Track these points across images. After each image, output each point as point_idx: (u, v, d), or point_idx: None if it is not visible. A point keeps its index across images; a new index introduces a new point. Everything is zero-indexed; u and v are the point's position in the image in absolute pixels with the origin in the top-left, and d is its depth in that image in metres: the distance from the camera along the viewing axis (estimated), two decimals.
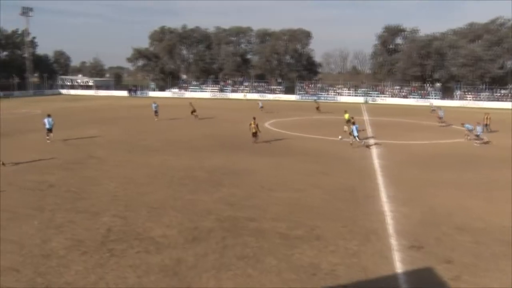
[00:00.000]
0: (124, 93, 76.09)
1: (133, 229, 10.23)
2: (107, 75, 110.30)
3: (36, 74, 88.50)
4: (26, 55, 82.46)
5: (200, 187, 13.97)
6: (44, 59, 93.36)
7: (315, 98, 55.82)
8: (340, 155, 19.86)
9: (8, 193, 12.82)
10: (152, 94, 74.98)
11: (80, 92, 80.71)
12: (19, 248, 9.06)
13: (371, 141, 24.14)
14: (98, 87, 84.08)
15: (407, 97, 65.28)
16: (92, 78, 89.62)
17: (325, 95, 68.58)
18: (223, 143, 22.96)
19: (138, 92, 76.61)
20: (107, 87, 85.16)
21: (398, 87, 68.96)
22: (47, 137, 22.64)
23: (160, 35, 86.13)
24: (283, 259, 8.74)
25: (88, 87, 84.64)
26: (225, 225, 10.57)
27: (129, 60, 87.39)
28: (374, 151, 21.06)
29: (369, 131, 27.94)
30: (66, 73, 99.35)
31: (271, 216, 11.19)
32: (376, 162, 18.21)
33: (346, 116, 28.59)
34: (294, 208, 11.92)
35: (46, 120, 23.29)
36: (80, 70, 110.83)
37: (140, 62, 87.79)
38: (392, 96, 66.55)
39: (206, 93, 73.75)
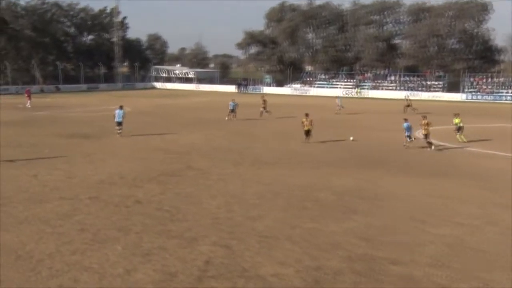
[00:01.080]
0: (231, 88, 79.58)
1: (238, 263, 10.24)
2: (211, 65, 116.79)
3: (125, 63, 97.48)
4: (115, 39, 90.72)
5: (325, 213, 13.73)
6: (136, 45, 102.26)
7: (407, 94, 55.95)
8: None
9: (90, 209, 13.94)
10: (267, 89, 77.30)
11: (178, 86, 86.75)
12: (98, 278, 9.57)
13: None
14: (199, 80, 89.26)
15: None
16: (192, 69, 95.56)
17: (506, 94, 62.79)
18: (357, 156, 22.80)
19: (249, 87, 79.45)
20: (210, 80, 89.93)
21: None
22: (118, 131, 27.42)
23: (279, 14, 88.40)
24: None
25: (187, 80, 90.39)
26: (357, 266, 10.18)
27: (239, 46, 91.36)
28: None
29: None
30: (161, 62, 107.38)
31: (423, 260, 10.62)
32: None
33: (457, 120, 28.21)
34: (457, 250, 11.19)
35: (116, 112, 26.84)
36: (178, 58, 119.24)
37: (253, 49, 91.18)
38: None
39: (337, 90, 73.14)
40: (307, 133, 26.32)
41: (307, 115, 26.82)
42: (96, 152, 22.81)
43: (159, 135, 28.82)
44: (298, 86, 77.41)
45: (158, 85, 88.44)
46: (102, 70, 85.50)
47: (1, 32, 77.46)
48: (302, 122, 26.76)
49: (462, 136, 27.39)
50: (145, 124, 33.08)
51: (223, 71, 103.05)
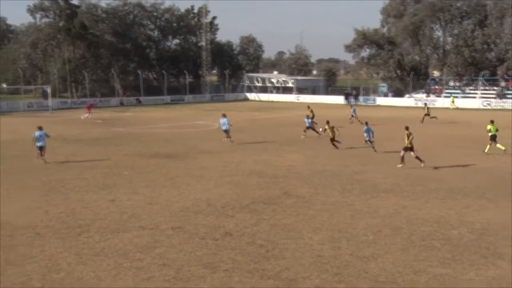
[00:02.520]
0: (338, 99, 79.29)
1: None
2: (314, 71, 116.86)
3: (214, 71, 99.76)
4: (203, 43, 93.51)
5: (459, 255, 13.22)
6: (227, 49, 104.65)
7: (426, 102, 60.58)
8: None
9: (172, 241, 14.38)
10: (382, 101, 76.30)
11: (274, 97, 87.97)
12: None
13: None
14: (300, 89, 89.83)
15: None
16: (292, 77, 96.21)
17: None
18: (500, 183, 21.78)
19: (360, 98, 78.76)
20: (313, 90, 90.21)
21: None
22: (230, 139, 31.90)
23: (399, 8, 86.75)
24: None
25: (286, 89, 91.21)
26: None
27: (348, 48, 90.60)
28: None
29: None
30: (255, 69, 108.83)
31: None
32: None
33: (491, 127, 29.65)
34: None
35: (221, 120, 29.69)
36: (275, 64, 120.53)
37: (365, 52, 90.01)
38: None
39: (474, 101, 70.03)
40: (332, 140, 31.29)
41: (328, 122, 31.83)
42: (180, 175, 23.65)
43: (252, 154, 29.34)
44: (422, 95, 75.09)
45: (251, 96, 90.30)
46: (188, 79, 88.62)
47: (80, 39, 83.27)
48: (325, 130, 31.57)
49: (498, 145, 29.27)
50: (237, 141, 33.76)
51: (329, 78, 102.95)
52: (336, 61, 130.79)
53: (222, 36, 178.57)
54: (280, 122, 49.07)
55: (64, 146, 32.95)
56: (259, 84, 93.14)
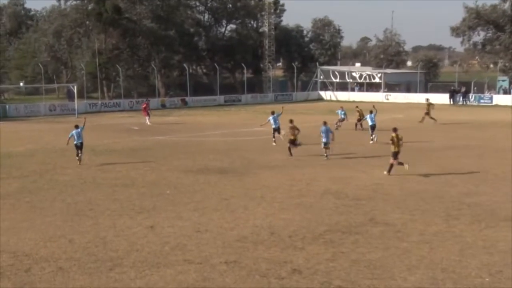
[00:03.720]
0: (442, 97, 78.11)
1: None
2: (409, 63, 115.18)
3: (279, 64, 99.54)
4: (265, 28, 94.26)
5: None
6: (295, 36, 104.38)
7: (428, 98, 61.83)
8: None
9: (226, 278, 14.41)
10: (501, 99, 75.02)
11: (357, 95, 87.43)
12: None
13: None
14: (390, 86, 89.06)
15: None
16: (379, 70, 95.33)
17: None
18: None
19: (471, 96, 77.28)
20: (408, 87, 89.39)
21: None
22: (326, 153, 32.36)
23: None
24: None
25: (371, 86, 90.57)
26: None
27: (456, 31, 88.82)
28: None
29: None
30: (332, 60, 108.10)
31: None
32: None
33: None
34: None
35: (322, 129, 31.69)
36: (356, 55, 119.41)
37: (479, 36, 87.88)
38: None
39: None
40: (292, 142, 33.89)
41: (291, 121, 34.35)
42: (236, 195, 23.76)
43: (327, 170, 29.26)
44: None
45: (326, 95, 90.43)
46: (246, 74, 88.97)
47: (113, 25, 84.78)
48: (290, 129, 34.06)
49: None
50: (304, 152, 33.72)
51: (428, 71, 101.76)
52: (439, 48, 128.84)
53: (289, 20, 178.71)
54: (366, 128, 48.56)
55: (92, 158, 33.72)
56: (337, 80, 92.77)
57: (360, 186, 25.46)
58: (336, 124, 46.06)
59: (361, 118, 46.06)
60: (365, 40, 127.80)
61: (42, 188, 25.62)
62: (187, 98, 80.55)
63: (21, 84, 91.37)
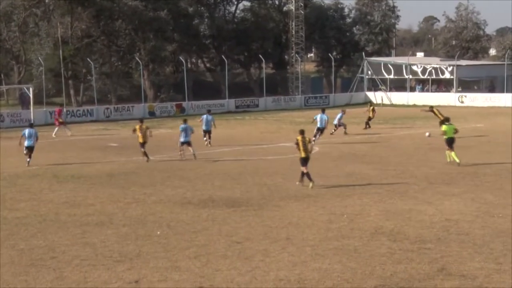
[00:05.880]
0: None
1: None
2: (492, 51, 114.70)
3: (311, 54, 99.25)
4: (291, 6, 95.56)
5: None
6: (333, 17, 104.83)
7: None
8: None
9: None
10: None
11: (419, 97, 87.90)
12: None
13: None
14: (466, 83, 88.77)
15: None
16: (450, 61, 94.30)
17: None
18: None
19: None
20: (491, 84, 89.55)
21: None
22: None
23: None
24: None
25: (440, 83, 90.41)
26: None
27: None
28: None
29: None
30: (384, 49, 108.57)
31: None
32: None
33: (445, 128, 33.94)
34: None
35: (319, 117, 35.08)
36: (418, 41, 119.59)
37: None
38: None
39: None
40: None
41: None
42: (252, 237, 23.68)
43: (377, 200, 29.21)
44: None
45: (375, 96, 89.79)
46: (265, 69, 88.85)
47: (84, 4, 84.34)
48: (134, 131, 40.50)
49: (453, 154, 35.50)
50: (347, 177, 33.64)
51: None
52: None
53: None
54: (428, 143, 48.52)
55: (55, 187, 33.76)
56: (391, 76, 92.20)
57: (425, 223, 25.33)
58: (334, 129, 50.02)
59: (369, 119, 51.15)
60: (430, 20, 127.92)
61: None
62: (184, 103, 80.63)
63: None
